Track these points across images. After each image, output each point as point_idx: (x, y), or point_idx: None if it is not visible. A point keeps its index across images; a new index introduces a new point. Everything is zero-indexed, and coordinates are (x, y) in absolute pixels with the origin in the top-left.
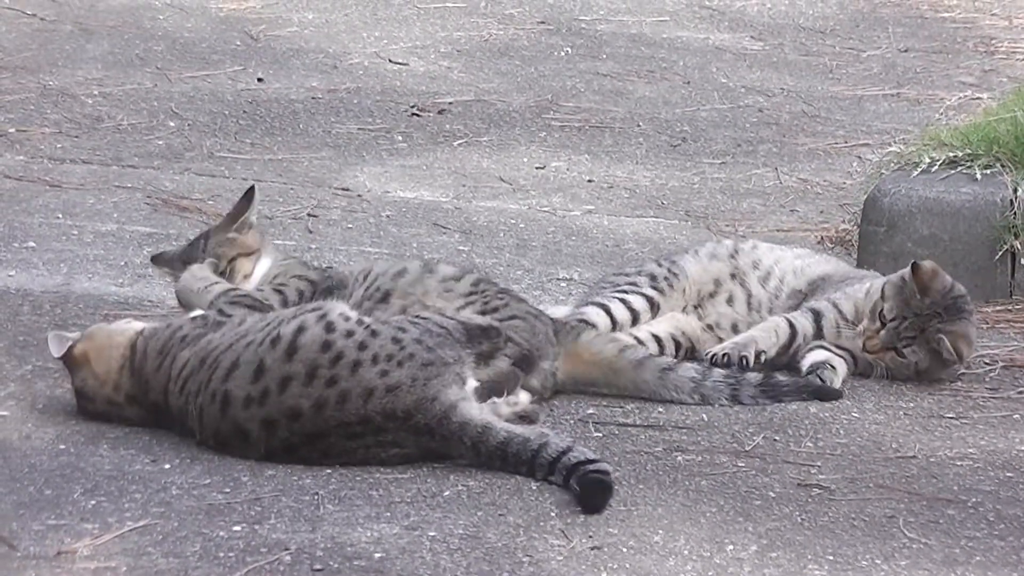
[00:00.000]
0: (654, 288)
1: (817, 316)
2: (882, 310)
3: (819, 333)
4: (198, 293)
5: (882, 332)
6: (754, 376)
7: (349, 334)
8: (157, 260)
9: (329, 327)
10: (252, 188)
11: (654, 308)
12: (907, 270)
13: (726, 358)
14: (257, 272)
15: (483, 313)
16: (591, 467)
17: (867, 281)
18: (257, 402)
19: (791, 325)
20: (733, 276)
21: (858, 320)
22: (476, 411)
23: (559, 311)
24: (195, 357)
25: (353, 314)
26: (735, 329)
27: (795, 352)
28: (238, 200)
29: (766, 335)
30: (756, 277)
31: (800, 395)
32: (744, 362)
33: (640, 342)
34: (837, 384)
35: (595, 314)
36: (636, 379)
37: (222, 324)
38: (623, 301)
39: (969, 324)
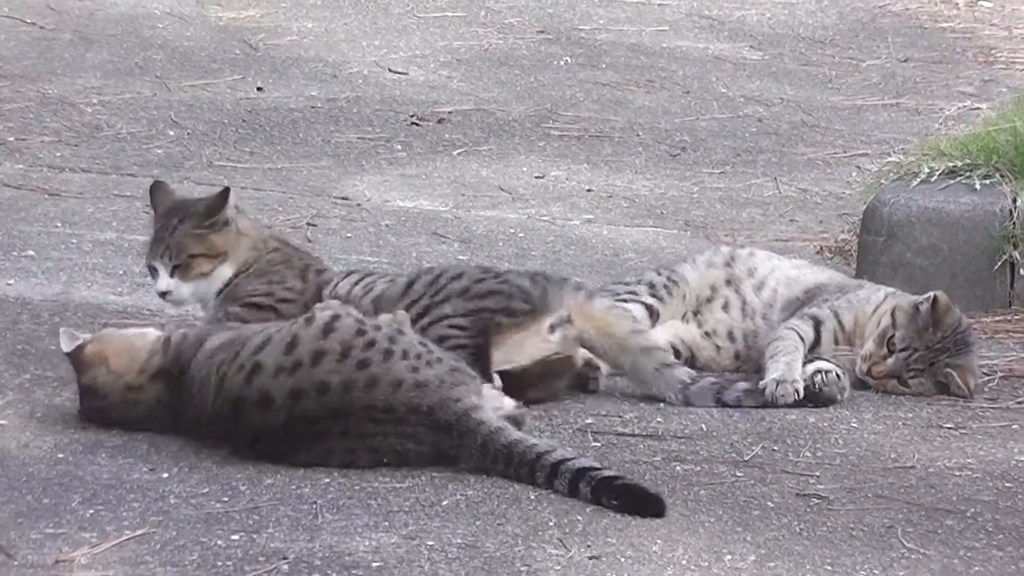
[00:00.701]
0: (653, 296)
1: (817, 323)
2: (892, 337)
3: (818, 341)
4: None
5: (890, 360)
6: (742, 384)
7: (378, 328)
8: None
9: (360, 321)
10: (227, 189)
11: (653, 316)
12: (923, 300)
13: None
14: (215, 277)
15: (417, 318)
16: (604, 474)
17: (868, 291)
18: (288, 371)
19: (798, 335)
20: (728, 283)
21: (856, 333)
22: (492, 416)
23: None
24: (228, 336)
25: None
26: (731, 336)
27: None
28: (212, 197)
29: (795, 355)
30: (751, 285)
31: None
32: (798, 395)
33: None
34: (846, 386)
35: None
36: (636, 364)
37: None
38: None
39: (974, 357)
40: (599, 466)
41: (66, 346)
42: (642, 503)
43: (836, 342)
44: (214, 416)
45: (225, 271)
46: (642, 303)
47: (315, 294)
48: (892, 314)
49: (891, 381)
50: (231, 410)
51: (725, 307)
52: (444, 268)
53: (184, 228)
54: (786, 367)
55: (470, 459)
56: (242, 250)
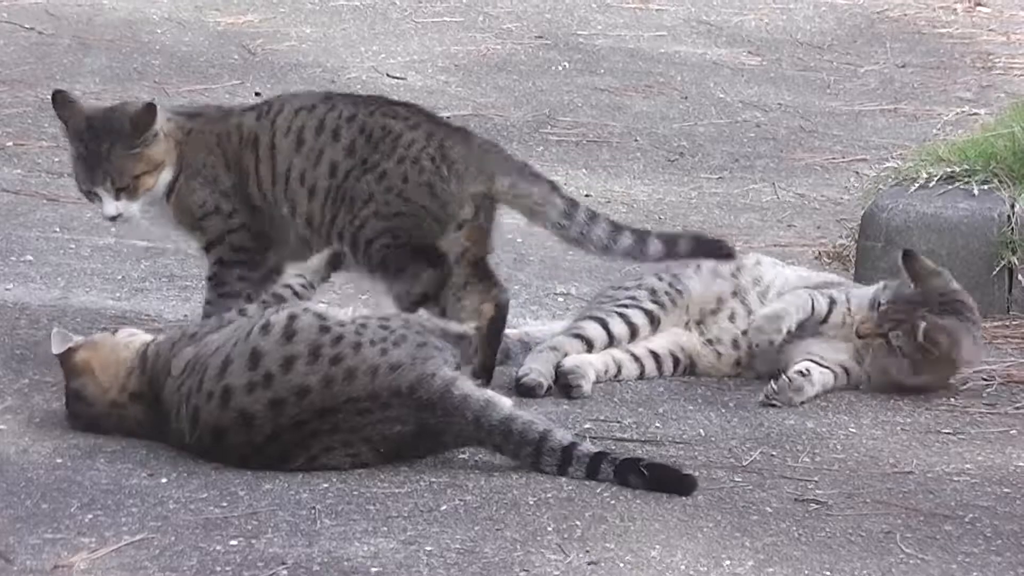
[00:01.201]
0: (655, 303)
1: (832, 302)
2: (879, 299)
3: (827, 318)
4: None
5: (874, 315)
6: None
7: (341, 323)
8: None
9: (320, 316)
10: (152, 103)
11: (654, 323)
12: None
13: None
14: (160, 186)
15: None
16: (624, 457)
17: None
18: (262, 385)
19: (812, 303)
20: (735, 294)
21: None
22: (475, 387)
23: (556, 326)
24: (190, 353)
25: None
26: (735, 345)
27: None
28: (136, 111)
29: (797, 307)
30: (756, 294)
31: None
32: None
33: (636, 358)
34: (810, 393)
35: (592, 329)
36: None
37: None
38: (622, 316)
39: (960, 324)
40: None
41: (56, 348)
42: (672, 481)
43: (843, 324)
44: (196, 446)
45: (166, 176)
46: (642, 309)
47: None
48: (885, 283)
49: (877, 341)
50: (212, 438)
51: (731, 318)
52: (355, 195)
53: (119, 151)
54: (784, 317)
55: (459, 436)
56: (173, 151)
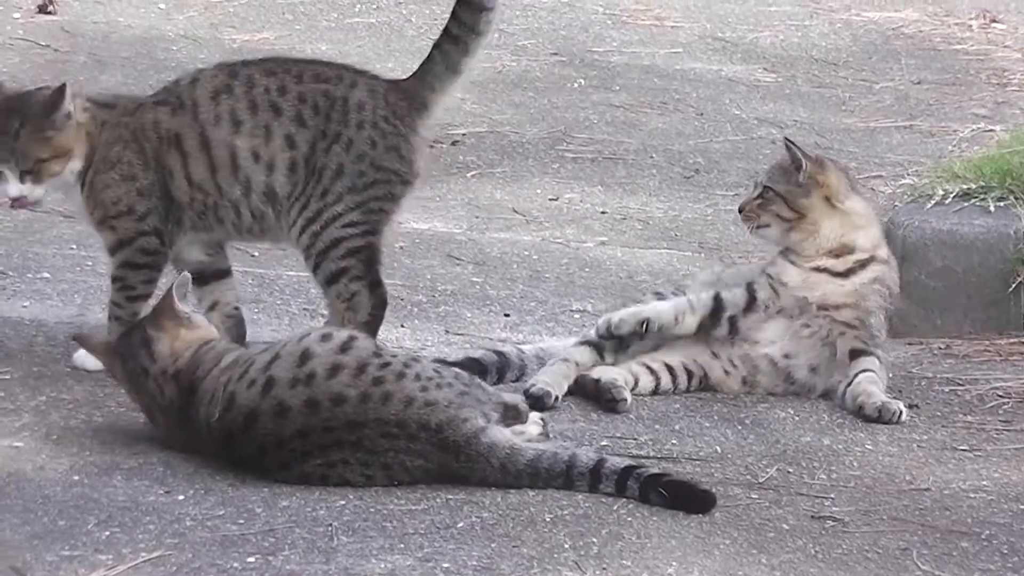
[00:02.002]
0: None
1: (750, 285)
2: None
3: (752, 302)
4: None
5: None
6: None
7: (394, 355)
8: None
9: (376, 346)
10: (63, 85)
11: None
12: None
13: None
14: (68, 174)
15: (309, 222)
16: (652, 471)
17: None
18: (303, 383)
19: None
20: None
21: (778, 277)
22: (501, 435)
23: (567, 341)
24: (235, 355)
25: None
26: (732, 363)
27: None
28: (48, 94)
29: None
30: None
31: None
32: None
33: (652, 371)
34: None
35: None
36: None
37: None
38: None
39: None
40: (640, 465)
41: (177, 298)
42: (691, 499)
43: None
44: (222, 430)
45: (75, 165)
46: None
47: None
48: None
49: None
50: (243, 422)
51: None
52: (325, 167)
53: (26, 133)
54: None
55: (485, 480)
56: (84, 142)
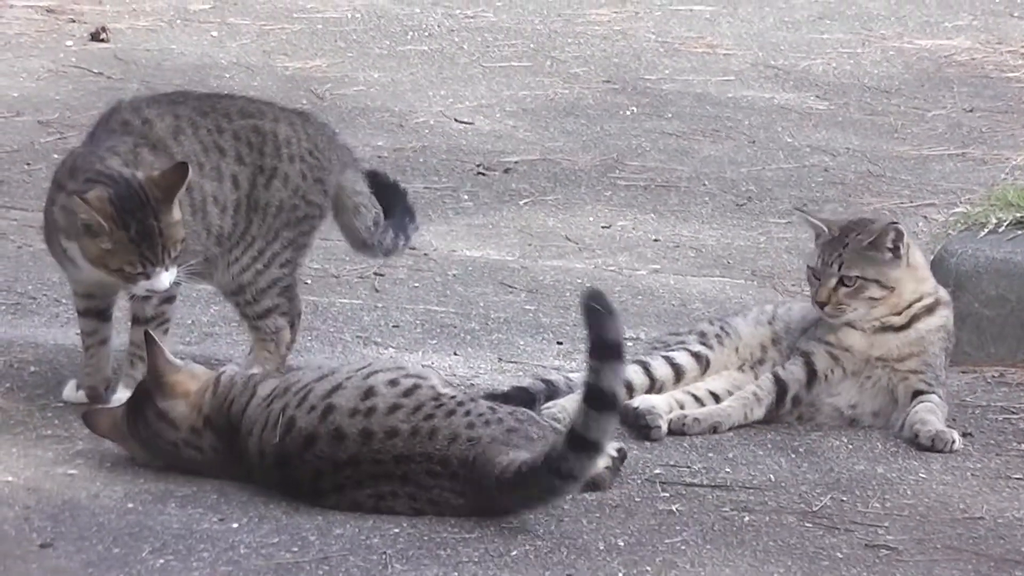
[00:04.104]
0: (703, 344)
1: (807, 357)
2: (810, 266)
3: (813, 376)
4: None
5: (817, 280)
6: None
7: (453, 396)
8: None
9: (438, 391)
10: (185, 165)
11: (702, 363)
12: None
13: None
14: None
15: (252, 261)
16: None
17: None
18: (363, 414)
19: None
20: (774, 342)
21: (839, 343)
22: (518, 456)
23: None
24: (282, 383)
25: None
26: None
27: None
28: (169, 171)
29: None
30: (788, 345)
31: None
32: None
33: (697, 399)
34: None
35: (633, 372)
36: None
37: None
38: (666, 358)
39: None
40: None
41: (158, 364)
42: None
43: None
44: (280, 454)
45: None
46: (688, 351)
47: None
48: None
49: (841, 290)
50: (302, 444)
51: (775, 368)
52: (268, 203)
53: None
54: None
55: (495, 506)
56: None
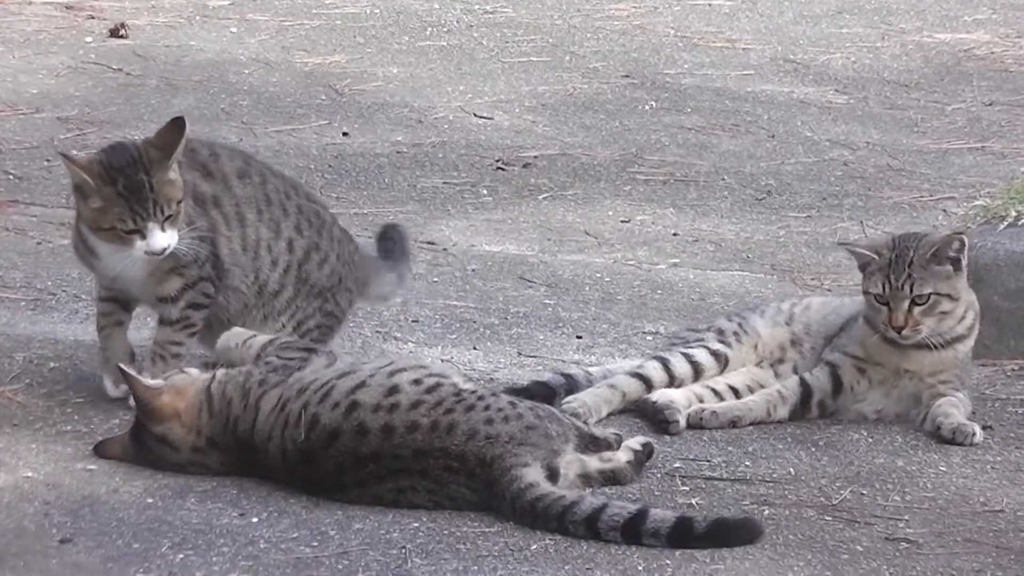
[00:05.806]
0: (721, 342)
1: (834, 369)
2: (872, 293)
3: (839, 387)
4: (238, 349)
5: (883, 307)
6: None
7: (474, 391)
8: None
9: (459, 386)
10: (182, 118)
11: (721, 360)
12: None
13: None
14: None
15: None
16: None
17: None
18: (386, 410)
19: (803, 384)
20: (793, 343)
21: (869, 357)
22: (531, 473)
23: (626, 364)
24: (289, 389)
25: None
26: None
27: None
28: (164, 128)
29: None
30: (809, 346)
31: None
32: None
33: (717, 393)
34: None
35: (652, 368)
36: None
37: (293, 368)
38: (685, 355)
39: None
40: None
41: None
42: (730, 532)
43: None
44: (304, 451)
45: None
46: (707, 348)
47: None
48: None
49: (915, 310)
50: (327, 439)
51: (796, 369)
52: (317, 282)
53: (161, 179)
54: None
55: (504, 513)
56: None
